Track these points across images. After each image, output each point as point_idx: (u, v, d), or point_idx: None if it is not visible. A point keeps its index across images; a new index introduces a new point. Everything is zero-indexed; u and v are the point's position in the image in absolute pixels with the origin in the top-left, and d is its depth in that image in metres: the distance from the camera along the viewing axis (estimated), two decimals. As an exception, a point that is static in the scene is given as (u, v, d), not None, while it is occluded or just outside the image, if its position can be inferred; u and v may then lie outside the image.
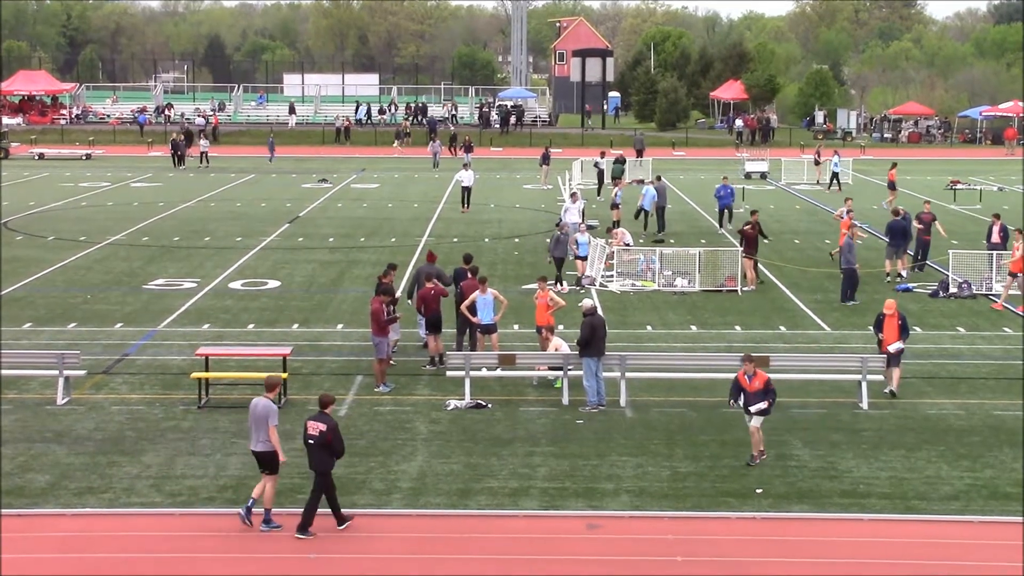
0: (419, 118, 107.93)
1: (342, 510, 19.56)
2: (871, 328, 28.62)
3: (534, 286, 30.49)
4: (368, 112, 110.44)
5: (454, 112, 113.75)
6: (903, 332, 27.08)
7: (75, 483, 21.59)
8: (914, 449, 23.78)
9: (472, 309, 29.08)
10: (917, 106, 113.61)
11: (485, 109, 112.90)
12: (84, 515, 20.14)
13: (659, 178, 54.26)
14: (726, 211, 51.49)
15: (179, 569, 17.98)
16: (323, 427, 19.17)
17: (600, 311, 30.97)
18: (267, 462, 19.63)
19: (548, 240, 39.44)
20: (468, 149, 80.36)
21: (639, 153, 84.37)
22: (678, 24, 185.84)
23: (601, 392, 26.18)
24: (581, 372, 26.38)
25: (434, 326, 29.39)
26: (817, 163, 72.41)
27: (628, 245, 42.55)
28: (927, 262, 41.98)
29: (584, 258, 39.44)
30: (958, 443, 24.14)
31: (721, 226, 50.84)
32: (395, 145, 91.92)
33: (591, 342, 26.07)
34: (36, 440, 23.87)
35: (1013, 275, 36.70)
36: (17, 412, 25.66)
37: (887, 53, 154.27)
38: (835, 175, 68.88)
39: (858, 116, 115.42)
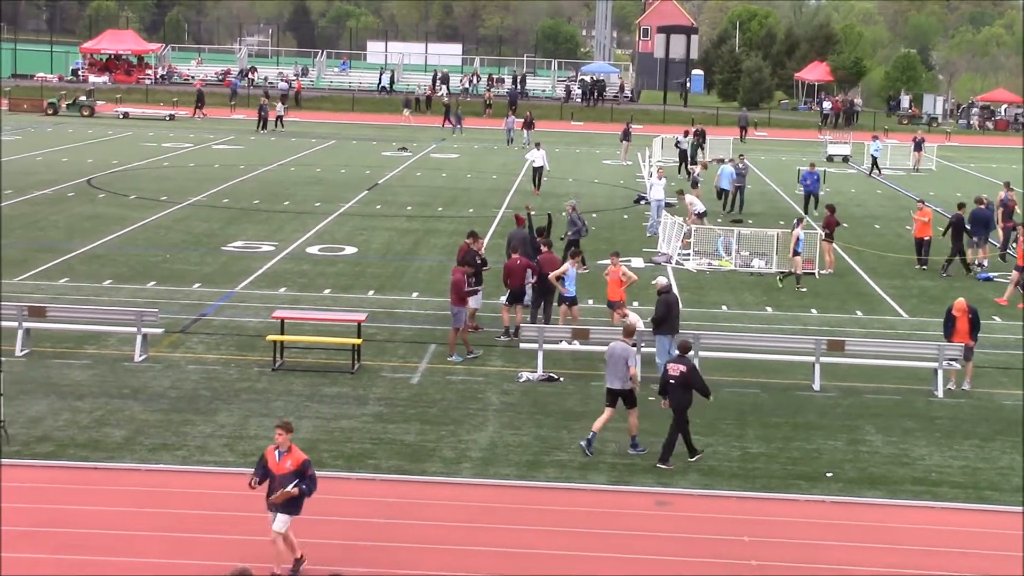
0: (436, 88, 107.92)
1: (677, 448, 21.59)
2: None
3: (607, 261, 30.42)
4: (391, 80, 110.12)
5: (474, 83, 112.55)
6: (974, 330, 26.62)
7: (150, 439, 21.86)
8: (988, 439, 23.55)
9: (558, 280, 29.25)
10: (1006, 93, 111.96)
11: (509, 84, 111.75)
12: (158, 471, 20.40)
13: (741, 157, 53.95)
14: (811, 197, 50.40)
15: (249, 528, 18.14)
16: (683, 368, 21.40)
17: (675, 289, 30.89)
18: (626, 397, 21.86)
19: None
20: (529, 125, 76.48)
21: (743, 131, 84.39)
22: (765, 3, 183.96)
23: None
24: (654, 349, 26.34)
25: (517, 298, 29.44)
26: (918, 149, 71.24)
27: (699, 214, 42.40)
28: (1007, 251, 41.36)
29: (799, 253, 36.61)
30: (1034, 435, 23.89)
31: (806, 212, 49.54)
32: (404, 113, 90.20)
33: (666, 320, 26.03)
34: (113, 395, 24.19)
35: (1020, 269, 35.79)
36: (95, 367, 26.01)
37: (977, 39, 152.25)
38: (874, 160, 67.67)
39: (944, 102, 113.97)
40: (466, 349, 27.78)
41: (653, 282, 27.65)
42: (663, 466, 21.30)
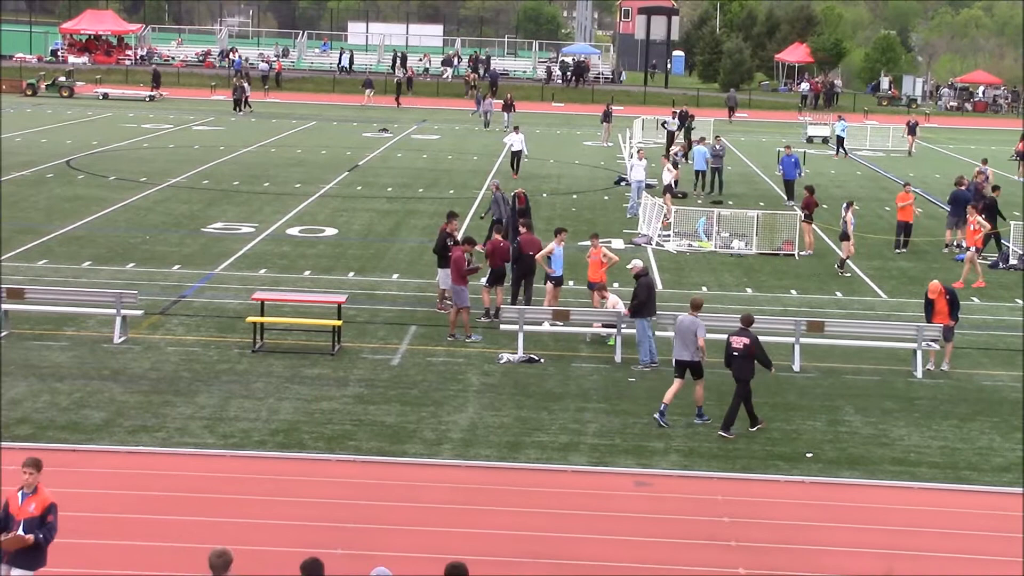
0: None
1: (734, 420, 22.28)
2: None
3: (587, 243, 30.43)
4: (351, 60, 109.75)
5: (427, 67, 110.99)
6: (953, 310, 26.67)
7: (129, 421, 21.82)
8: (967, 419, 23.64)
9: (545, 260, 29.29)
10: (985, 75, 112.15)
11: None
12: (137, 453, 20.37)
13: (718, 138, 53.88)
14: (790, 185, 48.66)
15: (229, 510, 18.16)
16: (746, 341, 22.19)
17: (655, 270, 30.89)
18: (694, 369, 22.74)
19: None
20: (509, 108, 74.64)
21: (731, 111, 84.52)
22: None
23: (653, 351, 26.15)
24: (634, 330, 26.39)
25: (498, 279, 29.41)
26: (912, 133, 70.74)
27: (667, 186, 42.75)
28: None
29: (849, 238, 36.01)
30: (1012, 415, 23.96)
31: (789, 199, 48.34)
32: (365, 94, 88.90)
33: (648, 303, 26.05)
34: (92, 377, 24.13)
35: (968, 249, 35.82)
36: (74, 349, 25.95)
37: (957, 20, 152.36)
38: (840, 140, 67.30)
39: (924, 83, 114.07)
40: (450, 332, 27.78)
41: (629, 266, 27.50)
42: (724, 434, 22.04)
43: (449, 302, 29.35)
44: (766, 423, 22.52)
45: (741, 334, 22.35)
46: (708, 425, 22.55)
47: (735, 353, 22.26)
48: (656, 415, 22.59)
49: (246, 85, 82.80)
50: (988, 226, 37.06)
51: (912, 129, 70.80)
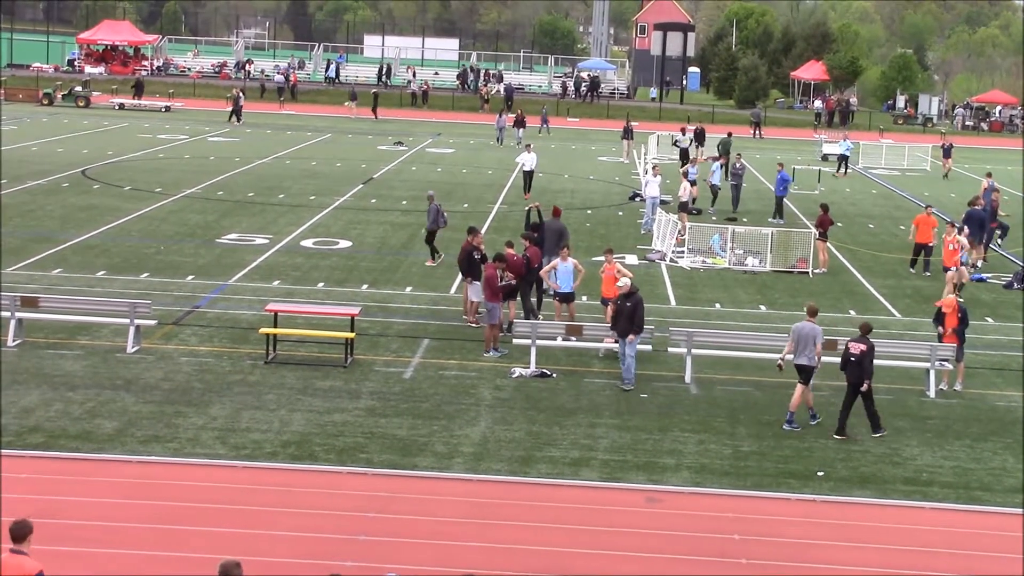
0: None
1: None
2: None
3: (602, 258, 30.42)
4: (337, 71, 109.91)
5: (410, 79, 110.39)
6: (962, 326, 26.59)
7: (141, 431, 21.84)
8: (980, 440, 23.58)
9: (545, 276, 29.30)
10: (1002, 94, 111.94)
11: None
12: (149, 463, 20.38)
13: (739, 156, 53.64)
14: (779, 203, 48.34)
15: (239, 521, 18.16)
16: (863, 347, 23.10)
17: (668, 285, 30.81)
18: (808, 374, 23.65)
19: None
20: (520, 124, 74.13)
21: (756, 127, 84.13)
22: (762, 1, 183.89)
23: (631, 371, 25.95)
24: (648, 347, 26.37)
25: (511, 293, 29.39)
26: (947, 156, 69.72)
27: (683, 204, 42.93)
28: (999, 250, 41.47)
29: (965, 263, 36.17)
30: (1025, 436, 23.92)
31: (775, 216, 47.90)
32: (348, 105, 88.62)
33: (643, 319, 25.87)
34: (105, 387, 24.16)
35: (947, 269, 35.48)
36: (87, 358, 25.98)
37: (973, 39, 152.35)
38: (844, 159, 66.73)
39: (940, 102, 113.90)
40: (490, 346, 27.68)
41: (619, 284, 26.80)
42: (839, 436, 23.04)
43: (480, 314, 29.42)
44: (887, 432, 23.42)
45: (859, 340, 23.24)
46: (821, 425, 23.64)
47: (852, 358, 23.10)
48: (786, 426, 23.51)
49: (241, 96, 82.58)
50: (967, 245, 36.94)
51: (947, 152, 69.56)
